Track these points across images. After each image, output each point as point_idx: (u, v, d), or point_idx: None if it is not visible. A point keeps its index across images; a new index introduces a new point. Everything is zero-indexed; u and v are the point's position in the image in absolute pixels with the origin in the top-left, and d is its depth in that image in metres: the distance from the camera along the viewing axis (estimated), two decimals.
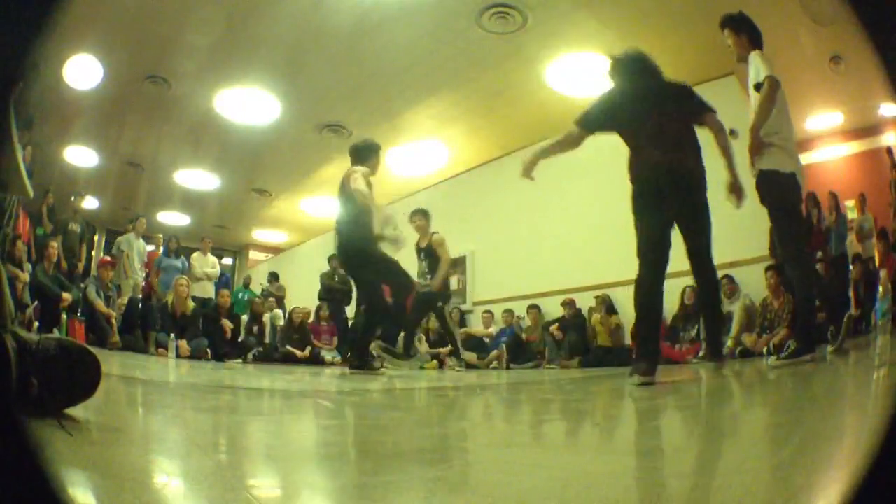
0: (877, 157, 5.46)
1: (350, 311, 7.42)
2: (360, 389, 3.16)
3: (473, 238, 7.94)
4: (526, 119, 6.75)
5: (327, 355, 6.50)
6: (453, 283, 8.15)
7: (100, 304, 5.97)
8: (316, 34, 5.22)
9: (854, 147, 5.59)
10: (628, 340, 5.95)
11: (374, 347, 4.79)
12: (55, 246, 6.12)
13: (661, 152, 2.95)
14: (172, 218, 9.13)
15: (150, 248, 7.74)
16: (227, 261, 10.83)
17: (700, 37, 5.05)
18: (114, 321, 5.96)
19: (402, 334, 5.42)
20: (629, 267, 6.35)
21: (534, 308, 6.67)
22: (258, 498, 0.85)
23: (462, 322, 7.50)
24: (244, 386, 3.21)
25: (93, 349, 1.33)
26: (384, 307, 4.78)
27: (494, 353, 6.47)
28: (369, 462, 1.21)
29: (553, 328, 6.22)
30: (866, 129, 5.38)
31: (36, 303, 5.25)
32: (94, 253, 7.68)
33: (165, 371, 4.26)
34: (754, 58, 3.31)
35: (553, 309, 6.54)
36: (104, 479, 0.89)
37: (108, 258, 6.86)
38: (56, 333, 4.39)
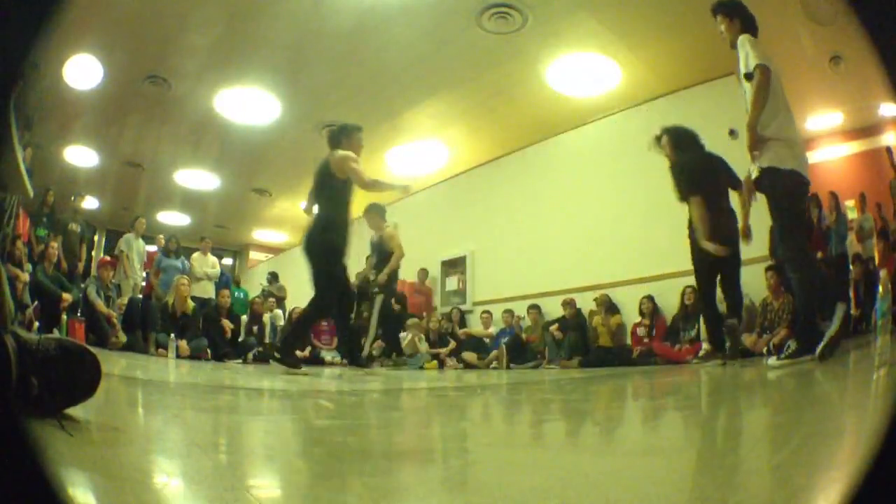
0: (877, 157, 5.47)
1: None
2: (359, 390, 3.16)
3: (473, 238, 7.94)
4: (526, 119, 6.75)
5: (327, 355, 6.50)
6: (453, 283, 8.15)
7: (100, 304, 5.96)
8: (316, 34, 5.22)
9: (854, 147, 5.59)
10: (629, 340, 5.96)
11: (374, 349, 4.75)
12: (55, 246, 6.13)
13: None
14: (172, 218, 9.14)
15: (152, 248, 7.75)
16: (228, 261, 10.84)
17: (699, 37, 5.05)
18: (115, 321, 5.95)
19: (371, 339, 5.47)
20: (629, 267, 6.37)
21: (534, 308, 6.67)
22: (258, 498, 0.85)
23: (462, 322, 7.51)
24: (244, 386, 3.21)
25: (93, 349, 1.33)
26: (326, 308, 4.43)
27: (494, 353, 6.47)
28: (369, 462, 1.21)
29: (553, 328, 6.22)
30: (866, 129, 5.38)
31: (36, 303, 5.25)
32: (94, 253, 7.68)
33: (165, 371, 4.26)
34: (743, 43, 3.15)
35: (553, 309, 6.54)
36: (104, 479, 0.89)
37: (108, 258, 6.86)
38: (56, 333, 4.39)
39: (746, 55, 3.12)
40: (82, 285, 6.23)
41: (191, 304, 6.47)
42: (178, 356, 5.80)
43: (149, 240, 7.76)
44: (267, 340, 7.26)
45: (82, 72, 5.53)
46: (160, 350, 5.92)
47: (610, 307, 6.13)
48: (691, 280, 5.50)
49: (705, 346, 5.10)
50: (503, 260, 7.45)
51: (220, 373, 4.32)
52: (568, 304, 6.32)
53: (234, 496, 0.84)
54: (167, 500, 0.83)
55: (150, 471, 1.01)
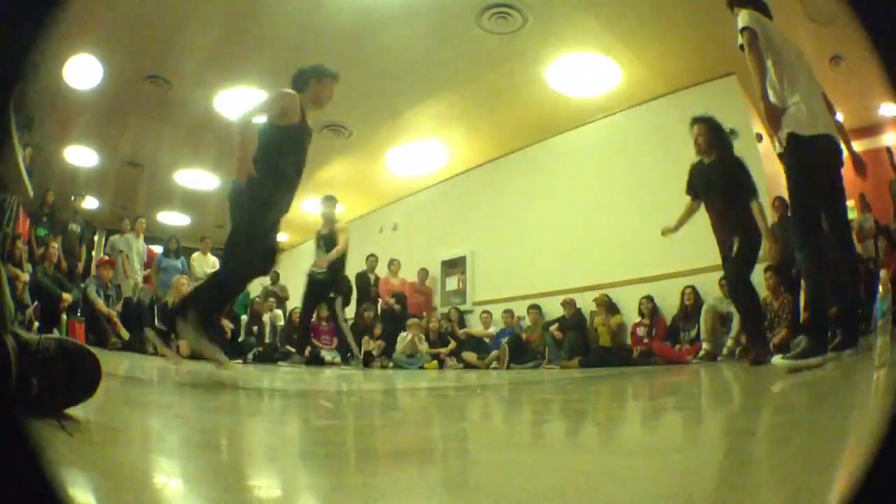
0: (877, 157, 5.47)
1: (350, 310, 7.43)
2: (359, 390, 3.16)
3: (473, 238, 7.94)
4: (526, 119, 6.75)
5: (327, 355, 6.50)
6: (453, 283, 8.15)
7: (100, 304, 5.97)
8: (316, 34, 5.22)
9: (854, 147, 5.59)
10: (629, 340, 5.95)
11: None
12: (55, 246, 6.13)
13: None
14: (172, 218, 9.14)
15: (156, 247, 7.75)
16: None
17: (699, 37, 5.05)
18: (115, 320, 5.96)
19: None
20: (629, 267, 6.36)
21: (534, 308, 6.67)
22: (258, 498, 0.85)
23: (461, 322, 7.51)
24: (244, 386, 3.21)
25: (93, 349, 1.33)
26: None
27: (494, 353, 6.47)
28: (369, 462, 1.21)
29: (553, 328, 6.22)
30: (866, 129, 5.38)
31: (36, 303, 5.25)
32: (94, 253, 7.68)
33: (165, 371, 4.26)
34: (737, 13, 2.93)
35: (553, 309, 6.54)
36: (104, 479, 0.89)
37: (108, 258, 6.86)
38: (56, 333, 4.40)
39: (737, 27, 2.89)
40: (82, 285, 6.24)
41: None
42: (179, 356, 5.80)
43: (149, 240, 7.77)
44: (267, 340, 7.27)
45: (82, 72, 5.53)
46: (160, 350, 5.92)
47: (610, 307, 6.13)
48: (691, 280, 5.53)
49: (705, 346, 5.11)
50: (503, 260, 7.45)
51: (221, 373, 4.32)
52: (568, 304, 6.32)
53: (234, 496, 0.85)
54: (167, 500, 0.83)
55: (150, 471, 1.01)
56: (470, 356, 6.64)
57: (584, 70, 5.79)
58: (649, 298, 5.80)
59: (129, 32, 5.18)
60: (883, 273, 2.67)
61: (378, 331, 6.77)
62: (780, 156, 2.85)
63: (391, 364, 6.38)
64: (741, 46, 2.87)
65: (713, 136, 3.83)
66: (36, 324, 4.91)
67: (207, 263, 7.49)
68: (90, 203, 7.92)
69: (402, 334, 6.58)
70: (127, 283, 6.94)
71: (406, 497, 0.90)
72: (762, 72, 2.81)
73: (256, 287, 8.63)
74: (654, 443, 1.51)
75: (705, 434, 1.60)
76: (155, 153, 7.42)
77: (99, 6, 4.76)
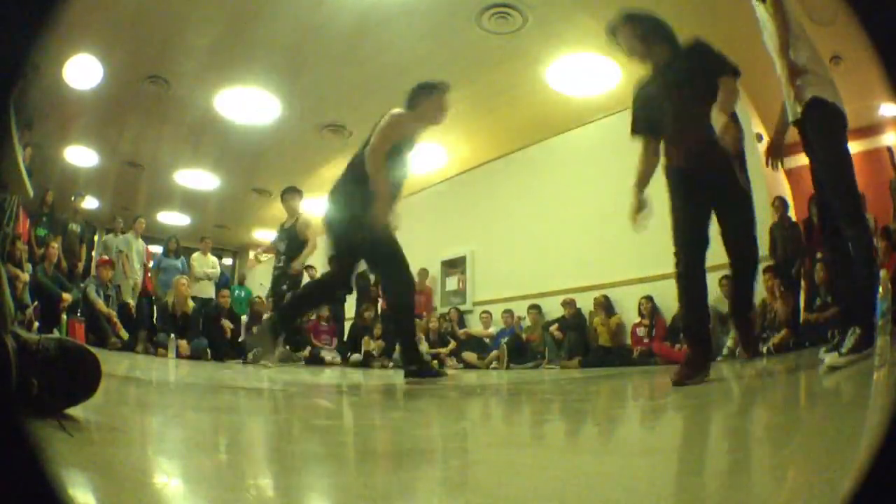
0: (877, 157, 5.47)
1: (350, 310, 7.43)
2: (358, 389, 3.16)
3: (473, 238, 7.94)
4: (526, 119, 6.75)
5: (327, 355, 6.50)
6: (453, 283, 8.15)
7: (100, 304, 5.97)
8: (316, 34, 5.22)
9: (854, 147, 5.57)
10: (629, 340, 5.96)
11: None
12: (55, 246, 6.13)
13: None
14: (172, 218, 9.14)
15: (156, 247, 7.76)
16: (228, 261, 10.83)
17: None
18: (115, 320, 5.96)
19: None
20: (629, 267, 6.35)
21: (534, 308, 6.67)
22: (258, 498, 0.85)
23: (461, 322, 7.51)
24: (244, 386, 3.21)
25: (93, 349, 1.33)
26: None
27: (494, 353, 6.47)
28: (369, 462, 1.21)
29: (553, 328, 6.22)
30: (866, 129, 5.38)
31: (36, 303, 5.25)
32: (94, 253, 7.68)
33: (165, 371, 4.26)
34: None
35: (553, 309, 6.54)
36: (104, 479, 0.89)
37: (108, 258, 6.86)
38: (56, 333, 4.40)
39: None
40: (82, 285, 6.24)
41: (191, 304, 6.47)
42: (179, 356, 5.81)
43: (149, 240, 7.77)
44: None
45: (82, 72, 5.53)
46: (160, 350, 5.93)
47: (607, 308, 6.13)
48: None
49: None
50: (503, 260, 7.45)
51: (220, 373, 4.33)
52: (568, 304, 6.32)
53: (234, 496, 0.85)
54: (167, 500, 0.83)
55: (150, 471, 1.01)
56: (470, 356, 6.64)
57: (584, 70, 5.79)
58: (649, 298, 5.80)
59: (128, 32, 5.18)
60: (883, 273, 2.64)
61: (378, 331, 6.76)
62: (797, 123, 2.66)
63: (391, 364, 6.37)
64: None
65: (650, 33, 2.99)
66: (36, 324, 4.92)
67: (207, 263, 7.49)
68: (90, 203, 7.92)
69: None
70: (126, 283, 6.94)
71: (406, 497, 0.90)
72: (787, 29, 2.61)
73: (257, 287, 8.64)
74: (654, 443, 1.51)
75: (705, 434, 1.60)
76: (155, 153, 7.42)
77: (99, 6, 4.75)
